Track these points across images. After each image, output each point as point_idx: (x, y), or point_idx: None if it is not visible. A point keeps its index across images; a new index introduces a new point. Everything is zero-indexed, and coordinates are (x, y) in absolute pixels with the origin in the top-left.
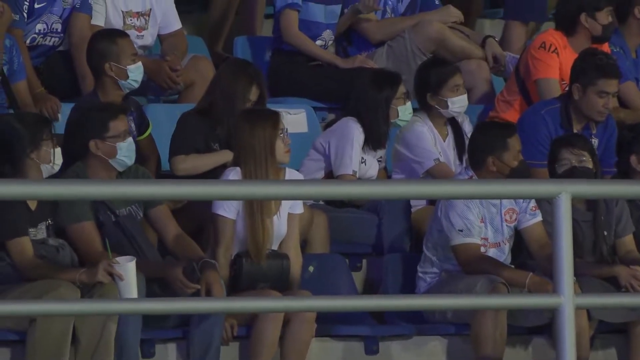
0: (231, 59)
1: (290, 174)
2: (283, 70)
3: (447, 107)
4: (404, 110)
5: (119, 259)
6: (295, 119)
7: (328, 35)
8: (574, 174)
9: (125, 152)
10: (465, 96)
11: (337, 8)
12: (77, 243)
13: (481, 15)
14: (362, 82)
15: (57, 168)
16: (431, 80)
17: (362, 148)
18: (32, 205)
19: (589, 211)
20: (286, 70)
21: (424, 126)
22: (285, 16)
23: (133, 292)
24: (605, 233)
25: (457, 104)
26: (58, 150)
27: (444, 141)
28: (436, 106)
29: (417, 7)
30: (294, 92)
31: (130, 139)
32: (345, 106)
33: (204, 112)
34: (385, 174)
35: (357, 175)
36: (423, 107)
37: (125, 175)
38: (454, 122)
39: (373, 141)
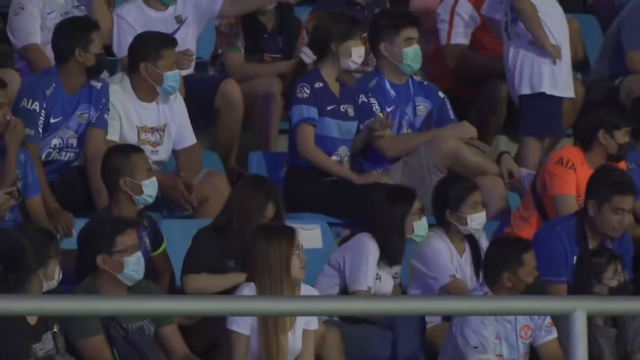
0: (248, 176)
1: (305, 289)
2: (298, 186)
3: (466, 224)
4: (420, 226)
5: None
6: (310, 234)
7: (344, 151)
8: (627, 290)
9: (133, 266)
10: (484, 213)
11: (353, 125)
12: (87, 359)
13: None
14: (376, 198)
15: (56, 284)
16: (450, 197)
17: (377, 264)
18: (32, 320)
19: (608, 327)
20: (301, 185)
21: (440, 242)
22: (302, 131)
23: None
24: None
25: (476, 220)
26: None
27: (461, 257)
28: (455, 223)
29: (433, 122)
30: (309, 208)
31: (138, 254)
32: (360, 222)
33: (220, 228)
34: (401, 290)
35: (372, 292)
36: (441, 223)
37: (136, 290)
38: (471, 238)
39: (388, 257)
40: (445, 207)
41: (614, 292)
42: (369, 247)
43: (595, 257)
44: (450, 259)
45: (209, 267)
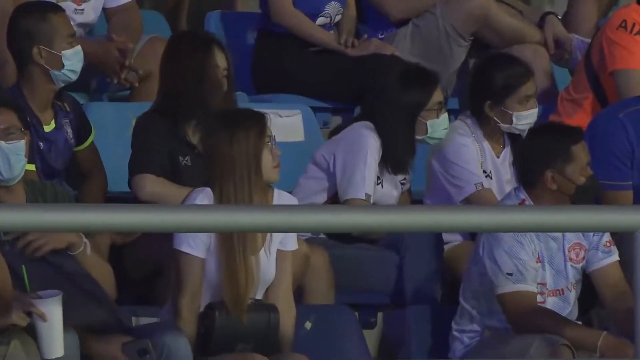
0: (175, 34)
1: (281, 196)
2: (272, 58)
3: (510, 122)
4: (436, 126)
5: (42, 293)
6: (287, 122)
7: (334, 9)
8: None
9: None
10: (535, 110)
11: None
12: None
13: None
14: (385, 79)
15: None
16: (495, 86)
17: (379, 164)
18: None
19: None
20: (276, 58)
21: (468, 137)
22: None
23: (58, 337)
24: None
25: (525, 120)
26: None
27: (498, 157)
28: (495, 119)
29: None
30: (287, 88)
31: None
32: (358, 108)
33: (166, 111)
34: (410, 198)
35: (372, 200)
36: (476, 114)
37: (40, 195)
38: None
39: (392, 162)
40: (485, 98)
41: None
42: (369, 142)
43: None
44: (481, 160)
45: (161, 167)
